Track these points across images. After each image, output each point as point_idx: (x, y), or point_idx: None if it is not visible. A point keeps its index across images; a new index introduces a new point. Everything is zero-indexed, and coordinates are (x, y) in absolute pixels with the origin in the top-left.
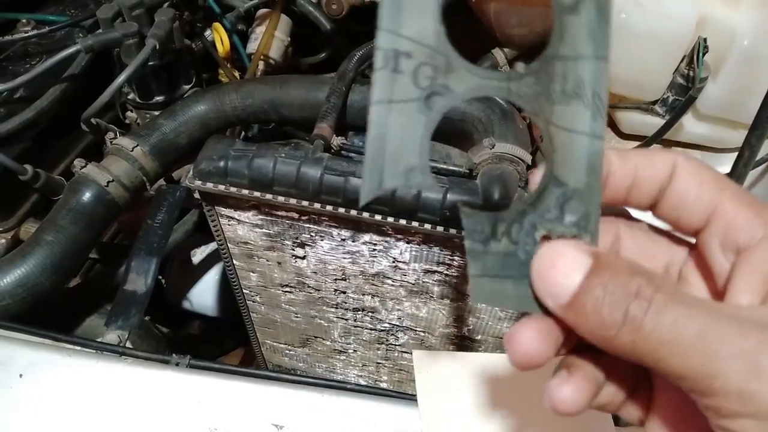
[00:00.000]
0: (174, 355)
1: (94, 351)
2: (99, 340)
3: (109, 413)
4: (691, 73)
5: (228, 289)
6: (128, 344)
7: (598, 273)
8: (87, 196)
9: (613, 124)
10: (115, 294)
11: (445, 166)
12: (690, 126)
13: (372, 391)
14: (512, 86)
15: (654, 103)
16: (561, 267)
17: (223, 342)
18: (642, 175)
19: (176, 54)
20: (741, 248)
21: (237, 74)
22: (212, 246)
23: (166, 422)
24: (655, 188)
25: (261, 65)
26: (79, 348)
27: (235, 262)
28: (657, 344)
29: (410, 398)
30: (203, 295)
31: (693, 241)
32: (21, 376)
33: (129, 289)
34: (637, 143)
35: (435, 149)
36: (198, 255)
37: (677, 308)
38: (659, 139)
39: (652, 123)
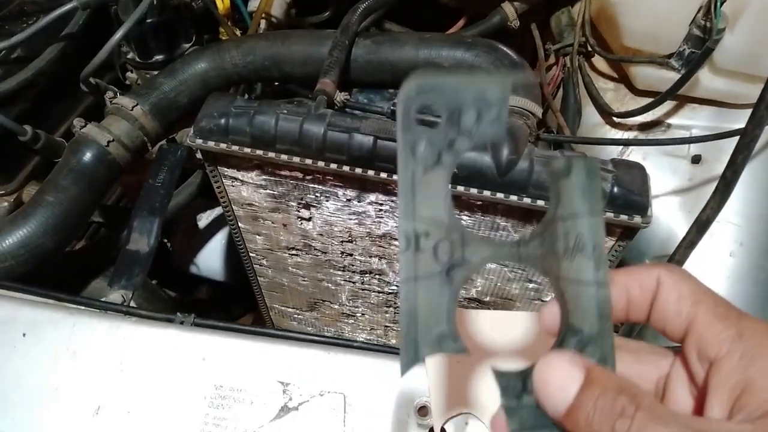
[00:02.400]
0: (179, 314)
1: (98, 310)
2: (102, 299)
3: (113, 372)
4: (708, 24)
5: (235, 254)
6: (132, 304)
7: (589, 388)
8: (87, 156)
9: (627, 80)
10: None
11: None
12: (706, 81)
13: (378, 348)
14: (521, 251)
15: (669, 56)
16: (556, 380)
17: (230, 308)
18: (632, 294)
19: (175, 11)
20: (712, 360)
21: (238, 33)
22: (218, 210)
23: (171, 379)
24: (646, 304)
25: (262, 24)
26: (83, 308)
27: (240, 224)
28: None
29: None
30: (210, 259)
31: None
32: (24, 335)
33: (132, 248)
34: (650, 99)
35: None
36: (204, 219)
37: (653, 425)
38: (674, 94)
39: (667, 77)
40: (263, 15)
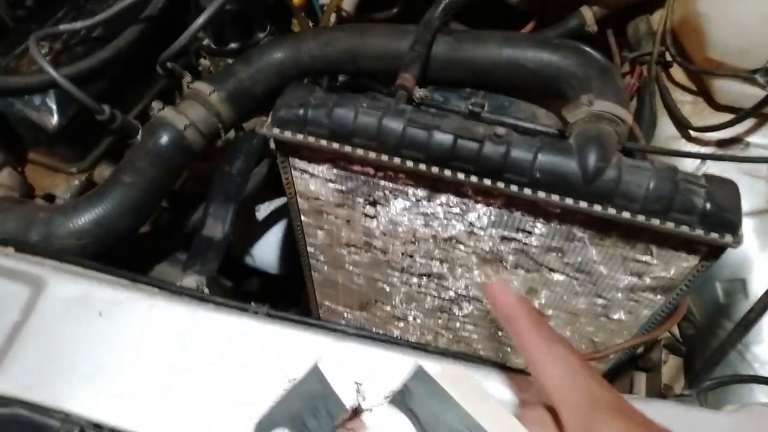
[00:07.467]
0: (252, 303)
1: (174, 294)
2: (178, 284)
3: (189, 355)
4: None
5: (290, 248)
6: (205, 290)
7: None
8: (164, 139)
9: (706, 94)
10: (183, 242)
11: (532, 126)
12: None
13: (450, 354)
14: None
15: (755, 72)
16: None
17: (277, 302)
18: None
19: (252, 0)
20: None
21: (311, 25)
22: (277, 202)
23: (246, 370)
24: None
25: (333, 17)
26: (157, 290)
27: (303, 218)
28: None
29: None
30: (266, 252)
31: None
32: (101, 314)
33: (206, 234)
34: (731, 116)
35: (520, 108)
36: (263, 210)
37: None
38: (758, 112)
39: (750, 93)
40: (335, 9)
